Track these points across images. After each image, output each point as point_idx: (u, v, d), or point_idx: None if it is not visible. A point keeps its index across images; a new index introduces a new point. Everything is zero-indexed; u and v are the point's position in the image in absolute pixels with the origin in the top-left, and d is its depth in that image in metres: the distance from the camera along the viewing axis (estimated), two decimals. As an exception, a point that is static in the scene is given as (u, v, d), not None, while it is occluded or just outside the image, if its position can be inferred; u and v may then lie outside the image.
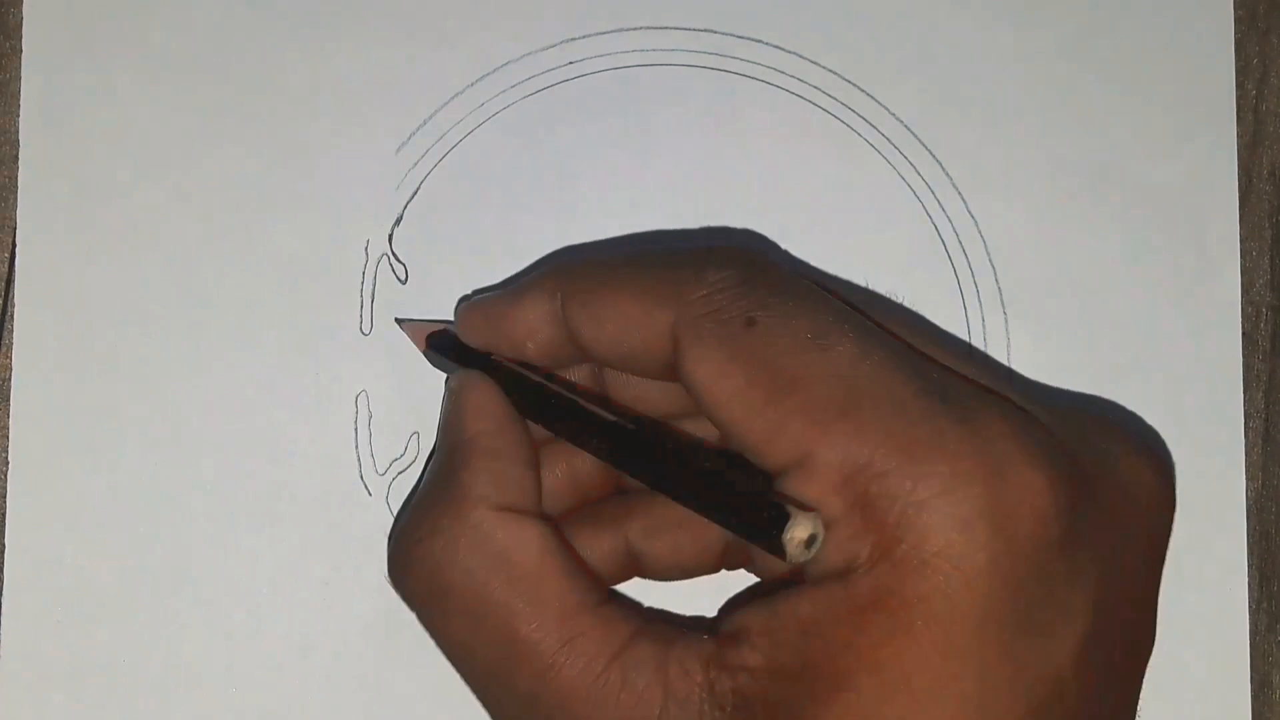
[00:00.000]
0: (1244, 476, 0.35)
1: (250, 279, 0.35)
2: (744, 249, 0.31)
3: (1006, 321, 0.35)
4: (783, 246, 0.36)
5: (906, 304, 0.35)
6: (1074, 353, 0.35)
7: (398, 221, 0.35)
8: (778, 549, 0.24)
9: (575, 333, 0.29)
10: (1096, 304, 0.36)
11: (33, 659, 0.34)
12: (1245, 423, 0.35)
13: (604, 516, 0.32)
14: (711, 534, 0.31)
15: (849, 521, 0.24)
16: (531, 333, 0.29)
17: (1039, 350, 0.35)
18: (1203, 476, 0.35)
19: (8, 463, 0.34)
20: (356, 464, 0.35)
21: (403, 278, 0.35)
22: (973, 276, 0.36)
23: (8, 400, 0.34)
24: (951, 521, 0.24)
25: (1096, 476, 0.26)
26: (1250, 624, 0.35)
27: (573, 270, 0.29)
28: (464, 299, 0.34)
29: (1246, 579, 0.35)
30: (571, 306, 0.29)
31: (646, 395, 0.31)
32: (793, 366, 0.25)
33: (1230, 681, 0.35)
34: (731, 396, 0.26)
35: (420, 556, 0.28)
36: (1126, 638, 0.27)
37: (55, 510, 0.34)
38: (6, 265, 0.35)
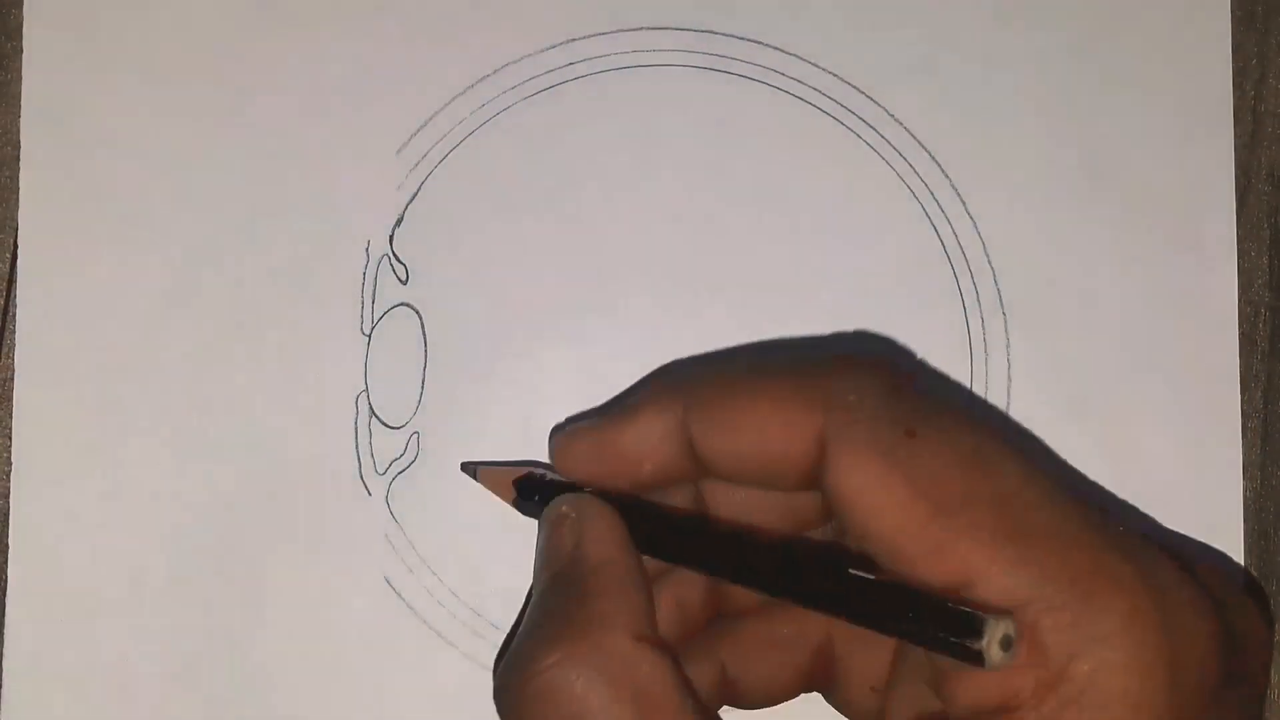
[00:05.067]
0: (1242, 476, 0.35)
1: (250, 279, 0.35)
2: (893, 357, 0.30)
3: (1006, 323, 0.36)
4: (783, 248, 0.36)
5: (905, 307, 0.35)
6: (1073, 353, 0.36)
7: (398, 222, 0.35)
8: (974, 656, 0.23)
9: (702, 447, 0.27)
10: (1095, 305, 0.36)
11: (36, 658, 0.34)
12: (1243, 423, 0.35)
13: (699, 643, 0.30)
14: (802, 655, 0.30)
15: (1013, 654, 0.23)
16: (650, 452, 0.28)
17: (1039, 352, 0.35)
18: (1202, 476, 0.35)
19: (10, 463, 0.34)
20: (356, 464, 0.35)
21: (403, 278, 0.35)
22: (972, 278, 0.36)
23: (10, 400, 0.34)
24: (1128, 664, 0.23)
25: (1233, 625, 0.25)
26: (1248, 624, 0.35)
27: (695, 382, 0.28)
28: (559, 428, 0.33)
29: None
30: (698, 419, 0.27)
31: (754, 511, 0.30)
32: (959, 483, 0.24)
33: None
34: (891, 508, 0.25)
35: (549, 684, 0.25)
36: None
37: (58, 510, 0.34)
38: (8, 265, 0.35)
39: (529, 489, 0.31)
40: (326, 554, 0.34)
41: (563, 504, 0.29)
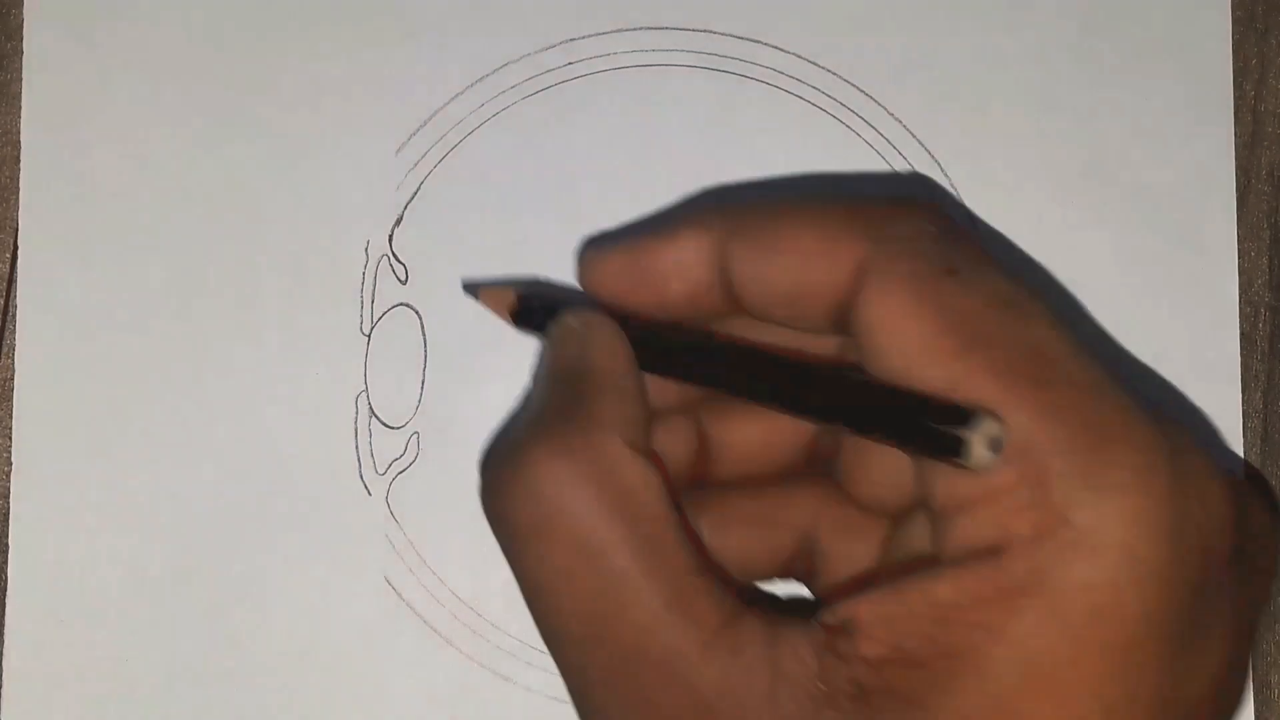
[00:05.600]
0: (1243, 476, 0.35)
1: (250, 279, 0.35)
2: (941, 201, 0.29)
3: (1005, 322, 0.35)
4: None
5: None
6: (1073, 353, 0.35)
7: (398, 221, 0.35)
8: (955, 448, 0.23)
9: (737, 271, 0.27)
10: (1095, 304, 0.36)
11: (37, 659, 0.34)
12: (1244, 423, 0.35)
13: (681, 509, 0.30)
14: (783, 537, 0.30)
15: (1015, 494, 0.23)
16: (683, 270, 0.27)
17: (1038, 350, 0.35)
18: (1201, 476, 0.35)
19: (11, 463, 0.34)
20: (356, 464, 0.35)
21: (403, 278, 0.35)
22: (972, 277, 0.36)
23: (10, 400, 0.34)
24: (1135, 515, 0.22)
25: (1247, 509, 0.25)
26: (1248, 623, 0.35)
27: (739, 205, 0.27)
28: (587, 244, 0.32)
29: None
30: (738, 240, 0.27)
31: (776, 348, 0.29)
32: (989, 323, 0.24)
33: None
34: (917, 341, 0.24)
35: (533, 477, 0.25)
36: (1237, 678, 0.26)
37: (58, 510, 0.34)
38: (8, 265, 0.35)
39: (530, 306, 0.30)
40: (326, 554, 0.34)
41: (571, 318, 0.28)
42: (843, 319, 0.26)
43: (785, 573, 0.30)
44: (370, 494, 0.35)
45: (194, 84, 0.35)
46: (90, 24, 0.35)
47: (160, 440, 0.35)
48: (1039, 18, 0.36)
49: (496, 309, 0.30)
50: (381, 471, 0.35)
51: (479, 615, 0.35)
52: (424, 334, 0.35)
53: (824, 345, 0.28)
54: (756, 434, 0.30)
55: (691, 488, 0.30)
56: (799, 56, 0.36)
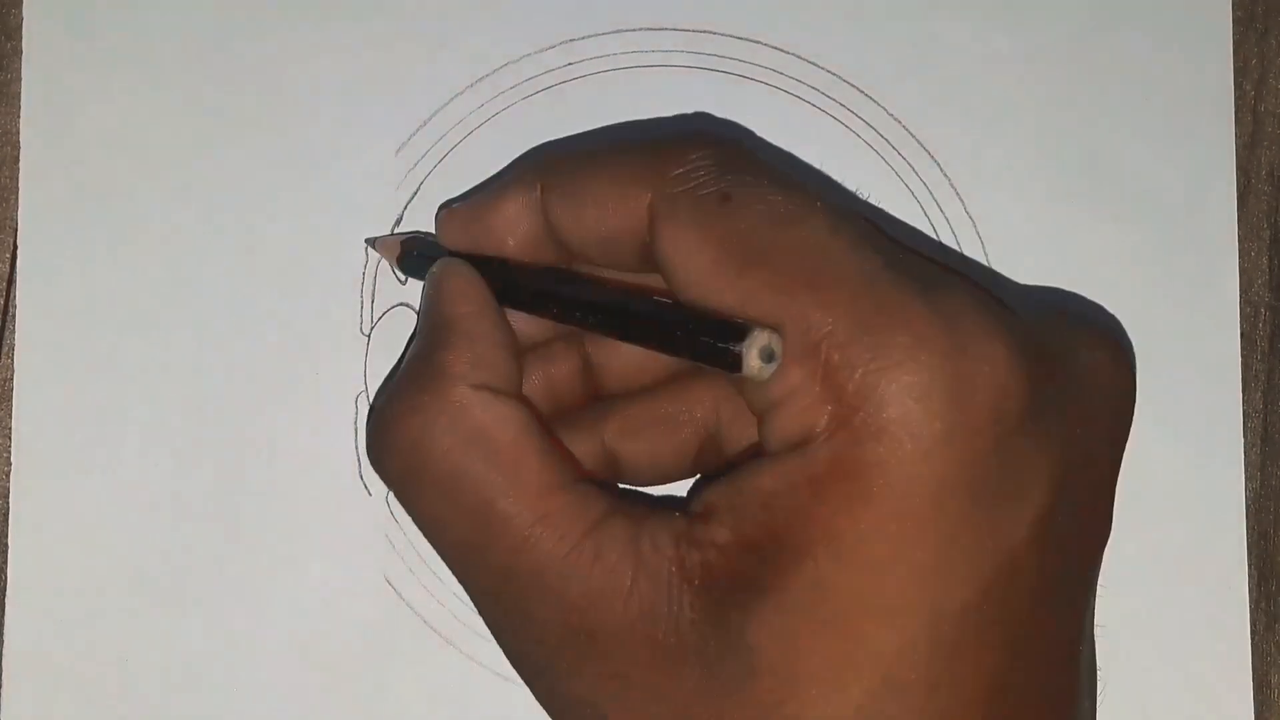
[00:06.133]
0: (1243, 476, 0.35)
1: (250, 279, 0.35)
2: (722, 133, 0.31)
3: (1005, 322, 0.35)
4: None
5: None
6: (1073, 353, 0.35)
7: (398, 221, 0.35)
8: (735, 363, 0.25)
9: (555, 223, 0.29)
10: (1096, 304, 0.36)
11: (36, 659, 0.34)
12: (1244, 422, 0.35)
13: (581, 421, 0.32)
14: (686, 434, 0.31)
15: (808, 391, 0.24)
16: (512, 226, 0.30)
17: (1038, 350, 0.35)
18: (1202, 476, 0.35)
19: (10, 463, 0.34)
20: (356, 464, 0.35)
21: (403, 278, 0.35)
22: (972, 277, 0.36)
23: (9, 400, 0.34)
24: (909, 390, 0.24)
25: (1059, 359, 0.26)
26: (1249, 624, 0.35)
27: (552, 160, 0.30)
28: (445, 204, 0.34)
29: (1247, 579, 0.35)
30: (551, 195, 0.29)
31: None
32: (765, 240, 0.26)
33: (1230, 682, 0.35)
34: (704, 270, 0.26)
35: (398, 434, 0.28)
36: (1084, 522, 0.27)
37: (58, 510, 0.34)
38: (8, 265, 0.35)
39: (412, 254, 0.33)
40: (326, 554, 0.34)
41: (436, 266, 0.30)
42: (650, 258, 0.27)
43: (699, 468, 0.32)
44: (370, 494, 0.35)
45: (194, 84, 0.35)
46: (90, 24, 0.35)
47: (160, 440, 0.35)
48: (1039, 18, 0.36)
49: (387, 256, 0.34)
50: (381, 471, 0.35)
51: (478, 615, 0.35)
52: (424, 334, 0.35)
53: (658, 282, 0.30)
54: (633, 351, 0.31)
55: (591, 403, 0.32)
56: (799, 57, 0.36)
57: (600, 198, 0.28)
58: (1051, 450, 0.25)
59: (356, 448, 0.35)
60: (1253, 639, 0.35)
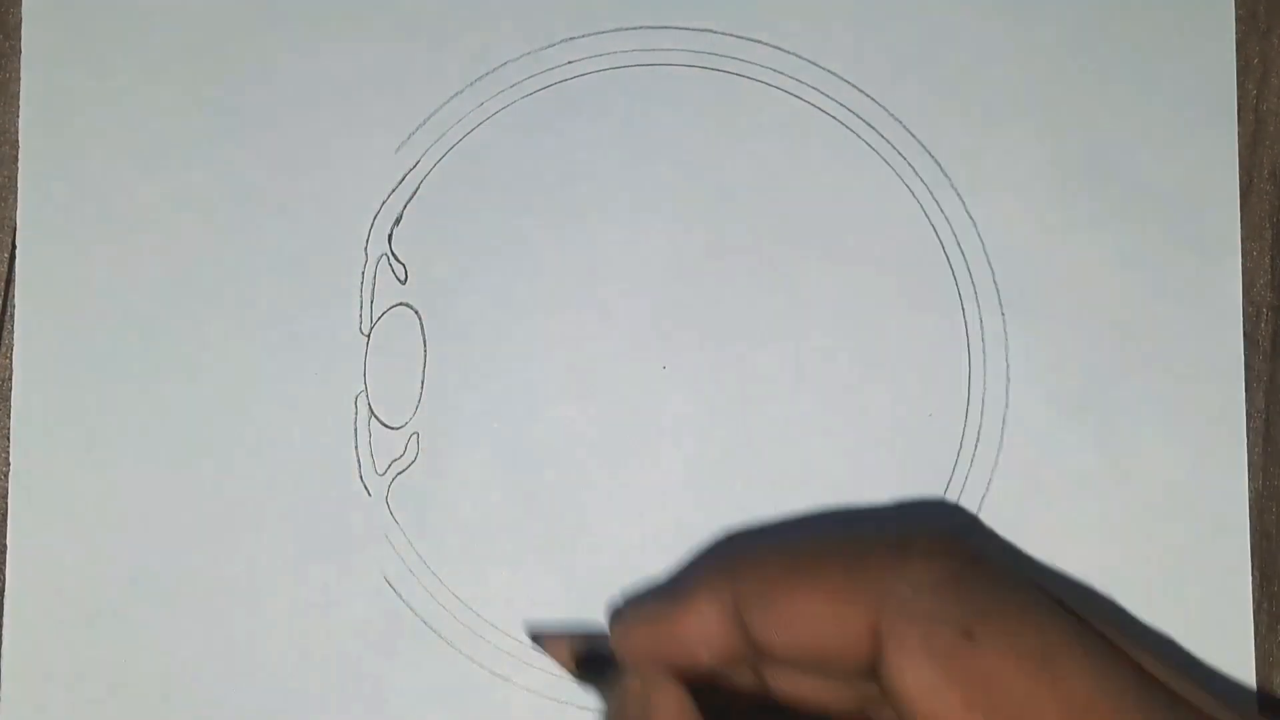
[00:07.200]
0: (1245, 477, 0.35)
1: (250, 279, 0.35)
2: (949, 535, 0.28)
3: (1005, 323, 0.35)
4: (783, 248, 0.35)
5: (904, 307, 0.35)
6: (1073, 354, 0.35)
7: (398, 221, 0.35)
8: None
9: (757, 636, 0.27)
10: (1096, 305, 0.35)
11: (35, 659, 0.34)
12: (1246, 423, 0.35)
13: None
14: None
15: None
16: (705, 640, 0.27)
17: (1038, 351, 0.35)
18: (1204, 477, 0.35)
19: (9, 463, 0.34)
20: (356, 464, 0.35)
21: (403, 278, 0.35)
22: (971, 278, 0.36)
23: (8, 400, 0.34)
24: None
25: None
26: (1252, 625, 0.35)
27: (745, 568, 0.27)
28: (615, 611, 0.33)
29: (1250, 580, 0.35)
30: (751, 609, 0.27)
31: (820, 690, 0.29)
32: (1019, 694, 0.24)
33: (1233, 683, 0.35)
34: (950, 711, 0.24)
35: None
36: None
37: (57, 510, 0.34)
38: (6, 265, 0.35)
39: (591, 660, 0.31)
40: (326, 554, 0.34)
41: (634, 679, 0.28)
42: (874, 672, 0.25)
43: None
44: (370, 494, 0.35)
45: (193, 83, 0.35)
46: (89, 24, 0.35)
47: (159, 440, 0.35)
48: (1039, 18, 0.36)
49: (556, 657, 0.32)
50: (381, 472, 0.35)
51: (479, 615, 0.35)
52: (423, 334, 0.35)
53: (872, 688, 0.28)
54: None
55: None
56: (799, 56, 0.36)
57: (812, 617, 0.26)
58: None
59: (356, 448, 0.35)
60: (1255, 640, 0.35)
